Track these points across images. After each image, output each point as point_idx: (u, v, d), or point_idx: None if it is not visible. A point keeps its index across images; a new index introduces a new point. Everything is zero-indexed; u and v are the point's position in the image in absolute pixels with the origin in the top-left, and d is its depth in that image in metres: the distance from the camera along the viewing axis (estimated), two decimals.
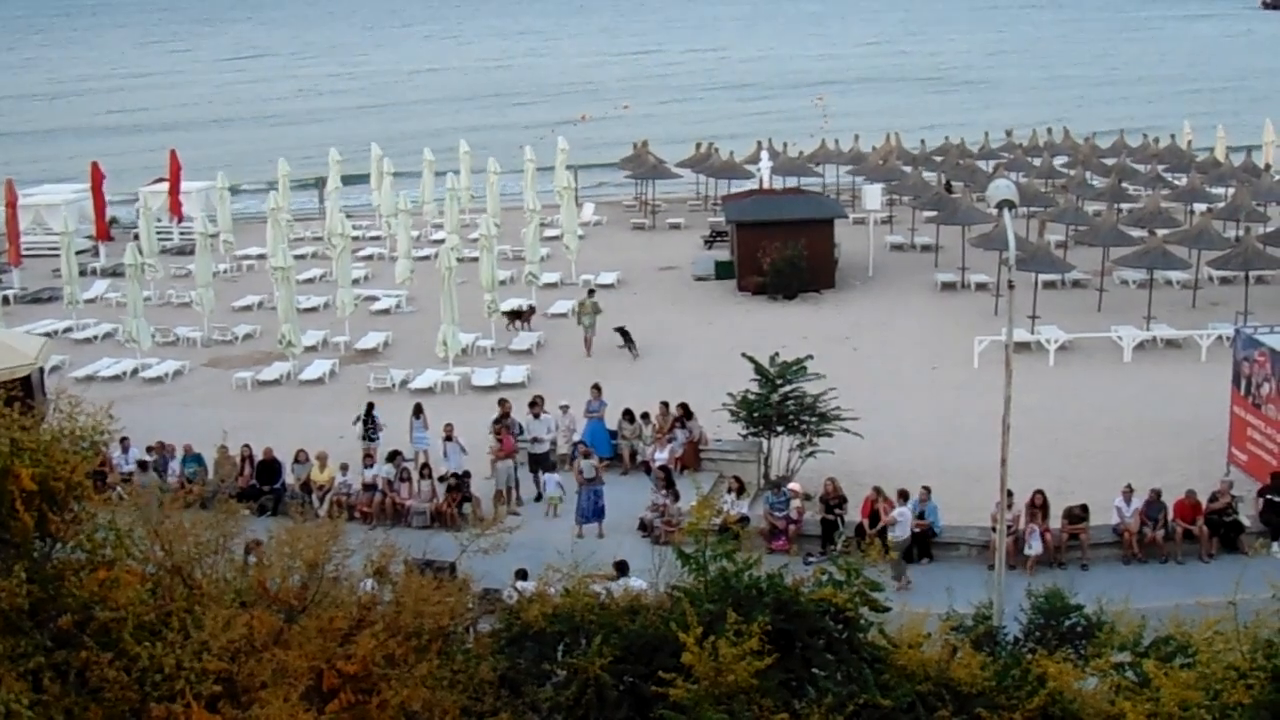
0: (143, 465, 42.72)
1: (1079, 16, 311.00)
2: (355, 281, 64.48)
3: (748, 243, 68.41)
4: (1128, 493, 40.88)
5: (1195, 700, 19.59)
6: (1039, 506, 39.98)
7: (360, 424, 46.79)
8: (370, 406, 47.72)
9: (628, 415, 47.24)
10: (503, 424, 44.93)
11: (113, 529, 20.81)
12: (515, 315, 62.65)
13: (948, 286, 67.98)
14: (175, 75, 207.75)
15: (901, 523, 40.11)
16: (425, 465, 43.75)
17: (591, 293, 63.53)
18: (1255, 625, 20.74)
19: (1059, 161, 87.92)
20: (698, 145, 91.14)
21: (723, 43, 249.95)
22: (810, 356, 45.85)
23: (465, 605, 23.27)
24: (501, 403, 46.54)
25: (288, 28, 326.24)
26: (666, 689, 20.24)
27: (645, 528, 40.61)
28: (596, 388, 48.16)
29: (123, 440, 42.29)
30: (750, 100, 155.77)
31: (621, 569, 31.19)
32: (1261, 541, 40.02)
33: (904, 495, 40.88)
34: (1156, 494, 40.76)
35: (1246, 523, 40.94)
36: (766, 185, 78.69)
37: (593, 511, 41.26)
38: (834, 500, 41.06)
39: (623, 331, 59.27)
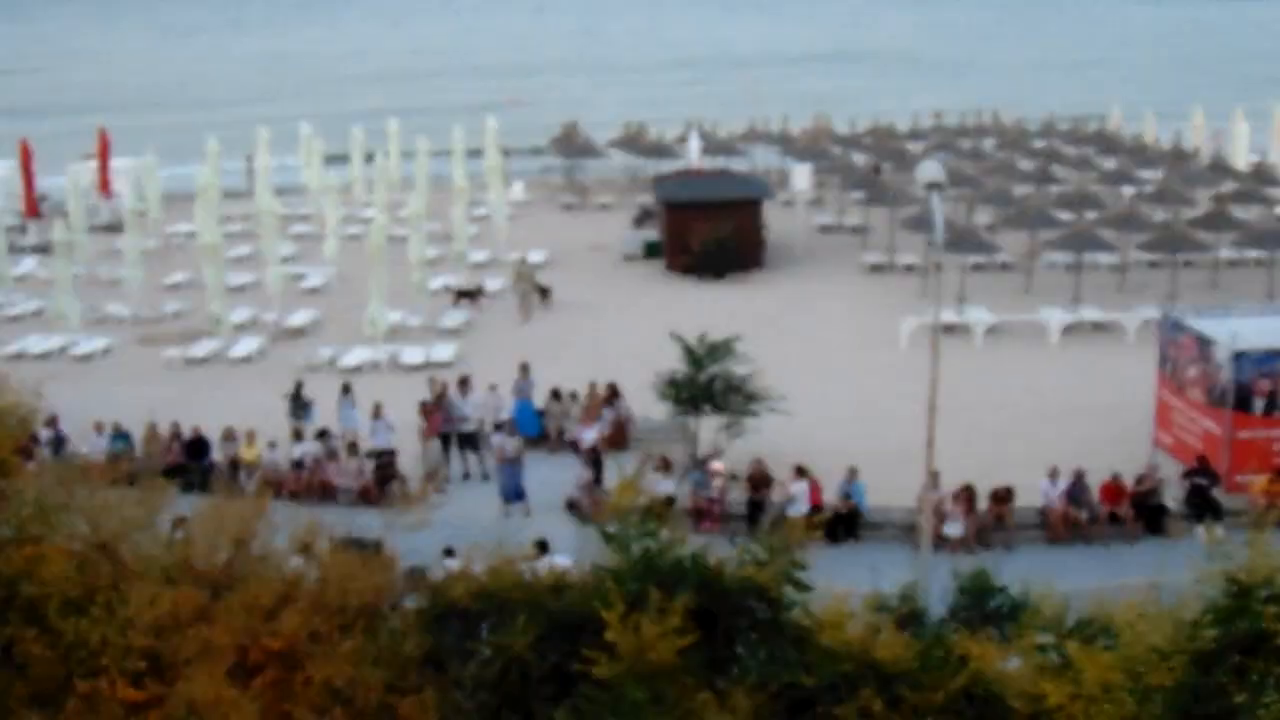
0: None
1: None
2: (284, 259, 64.31)
3: (676, 223, 68.52)
4: (1053, 475, 41.18)
5: (1117, 682, 19.76)
6: (967, 500, 40.28)
7: (289, 401, 46.73)
8: (299, 384, 47.60)
9: (555, 394, 47.36)
10: (437, 404, 44.98)
11: (38, 505, 20.87)
12: (465, 294, 62.92)
13: (876, 268, 68.18)
14: (105, 54, 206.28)
15: (799, 499, 40.49)
16: (353, 443, 43.70)
17: (524, 259, 64.85)
18: (1178, 607, 20.93)
19: (987, 144, 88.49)
20: (627, 126, 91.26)
21: (658, 23, 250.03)
22: (738, 337, 45.98)
23: (391, 583, 23.36)
24: (434, 381, 46.51)
25: (216, 4, 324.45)
26: (590, 667, 20.39)
27: (573, 506, 40.71)
28: (524, 367, 48.23)
29: (51, 417, 42.07)
30: (682, 81, 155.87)
31: (543, 548, 31.31)
32: (1185, 524, 40.52)
33: (801, 471, 41.17)
34: (1081, 476, 41.10)
35: (1171, 505, 41.28)
36: (696, 166, 78.97)
37: (514, 490, 41.34)
38: (760, 481, 41.25)
39: (541, 288, 61.71)
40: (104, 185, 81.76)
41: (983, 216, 72.11)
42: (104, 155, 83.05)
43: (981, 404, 47.96)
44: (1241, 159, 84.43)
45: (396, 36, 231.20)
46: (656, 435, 45.86)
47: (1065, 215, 66.77)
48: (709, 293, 64.15)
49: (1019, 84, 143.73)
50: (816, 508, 39.64)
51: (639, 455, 43.96)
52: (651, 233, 72.25)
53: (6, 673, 18.92)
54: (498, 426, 43.86)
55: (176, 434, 44.19)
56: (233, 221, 74.79)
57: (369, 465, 42.73)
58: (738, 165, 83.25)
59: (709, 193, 70.29)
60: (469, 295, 62.74)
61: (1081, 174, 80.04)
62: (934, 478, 36.06)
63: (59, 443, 42.40)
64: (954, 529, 39.51)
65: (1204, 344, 44.17)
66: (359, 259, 61.04)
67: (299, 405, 46.47)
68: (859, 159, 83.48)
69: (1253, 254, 65.26)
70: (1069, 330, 58.12)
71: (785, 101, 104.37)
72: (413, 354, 54.76)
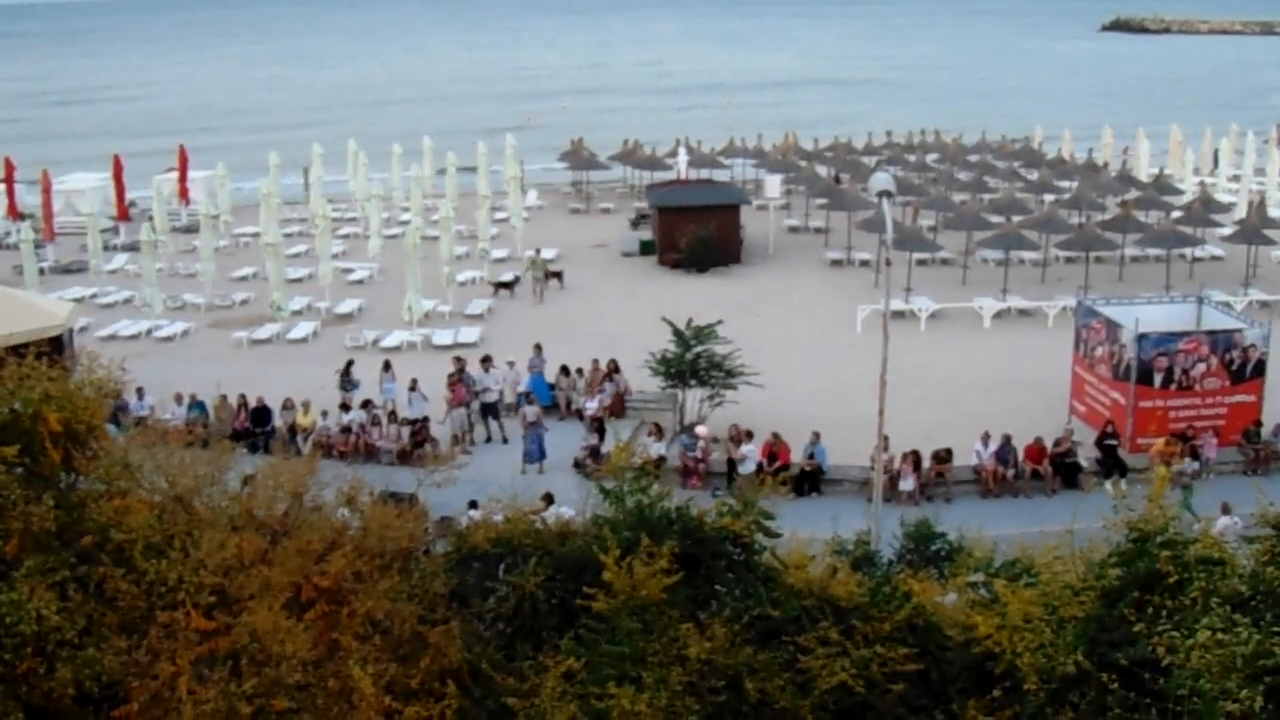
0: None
1: (954, 36, 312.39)
2: (334, 256, 64.25)
3: (667, 224, 68.41)
4: (985, 438, 41.35)
5: (1037, 614, 19.75)
6: (913, 461, 40.32)
7: (340, 376, 46.88)
8: (349, 363, 47.85)
9: (564, 370, 47.39)
10: (458, 378, 45.05)
11: (125, 464, 20.92)
12: (502, 285, 63.18)
13: (836, 263, 68.08)
14: (184, 82, 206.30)
15: (749, 458, 40.65)
16: (392, 412, 43.76)
17: (538, 251, 65.31)
18: (1089, 550, 20.93)
19: (930, 158, 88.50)
20: (625, 142, 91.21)
21: (654, 54, 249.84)
22: (720, 321, 46.10)
23: (423, 530, 23.36)
24: (456, 359, 46.64)
25: (280, 40, 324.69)
26: (590, 602, 20.39)
27: (579, 465, 40.76)
28: (538, 347, 48.26)
29: (138, 389, 42.22)
30: (672, 104, 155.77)
31: (548, 499, 31.28)
32: (1096, 479, 40.51)
33: (749, 435, 41.50)
34: (1009, 439, 41.22)
35: (1084, 464, 41.43)
36: (684, 176, 78.98)
37: (537, 452, 41.45)
38: (738, 443, 41.30)
39: (555, 273, 63.09)
40: (183, 194, 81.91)
41: (926, 219, 72.07)
42: (183, 168, 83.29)
43: (925, 379, 47.90)
44: (1144, 171, 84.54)
45: (432, 68, 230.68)
46: (650, 405, 45.96)
47: (996, 219, 66.78)
48: (694, 284, 64.05)
49: (958, 108, 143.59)
50: (784, 466, 39.68)
51: (635, 422, 44.26)
52: (646, 233, 72.20)
53: (99, 605, 18.90)
54: (525, 397, 43.95)
55: (243, 404, 44.24)
56: (290, 224, 74.72)
57: (406, 431, 42.72)
58: (719, 176, 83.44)
59: (695, 199, 70.30)
60: (507, 286, 62.95)
61: (1009, 184, 79.84)
62: (885, 441, 36.02)
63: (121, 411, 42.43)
64: (903, 484, 39.57)
65: (1112, 328, 44.25)
66: (397, 256, 61.11)
67: (348, 380, 46.68)
68: (822, 170, 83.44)
69: (1153, 252, 65.28)
70: (999, 316, 58.12)
71: (759, 122, 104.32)
72: (443, 336, 54.70)
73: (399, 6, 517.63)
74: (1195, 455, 40.83)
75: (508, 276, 64.25)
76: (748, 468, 40.09)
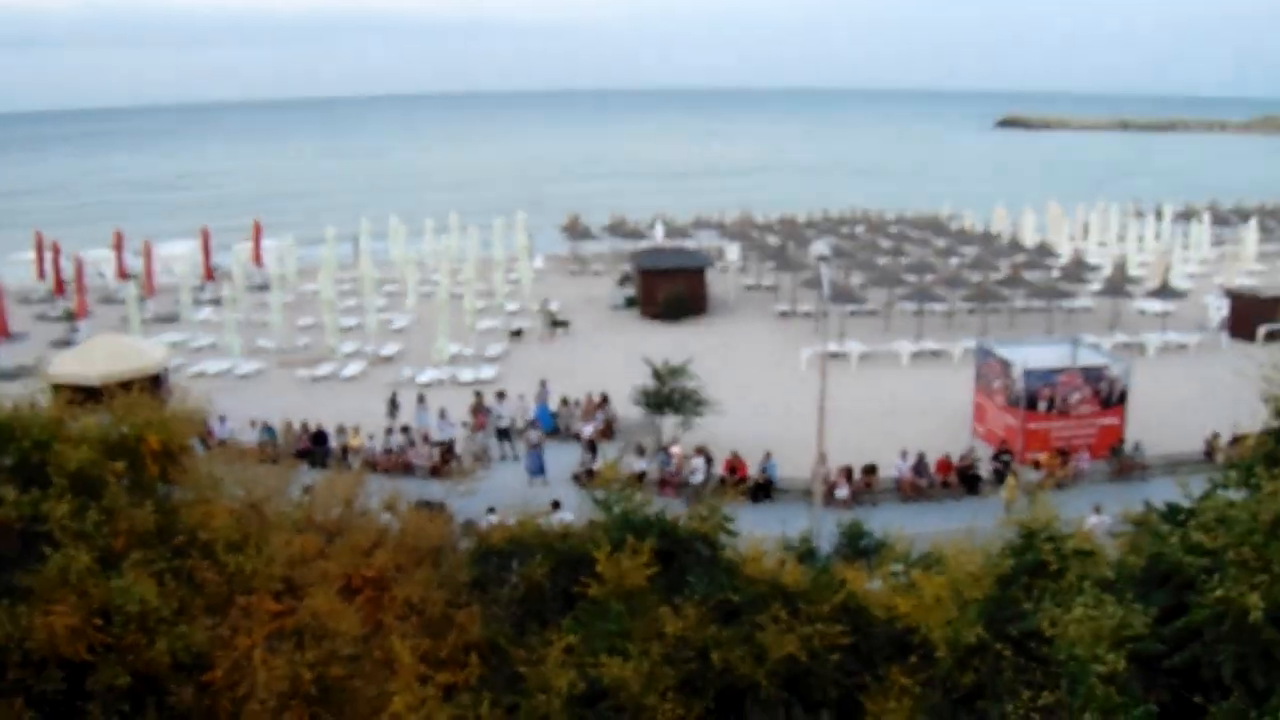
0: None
1: (879, 131, 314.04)
2: (379, 309, 64.18)
3: (647, 283, 68.40)
4: (904, 454, 41.36)
5: (946, 596, 19.74)
6: (847, 474, 40.32)
7: (388, 405, 47.11)
8: (395, 395, 48.08)
9: (564, 401, 47.36)
10: (479, 407, 45.11)
11: (210, 477, 21.02)
12: (515, 333, 63.22)
13: (783, 314, 68.00)
14: (260, 171, 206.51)
15: (698, 471, 40.73)
16: (425, 435, 43.68)
17: (547, 301, 65.66)
18: (986, 544, 20.96)
19: (859, 229, 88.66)
20: (613, 216, 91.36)
21: (639, 146, 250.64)
22: (689, 361, 46.08)
23: (450, 531, 23.34)
24: (477, 393, 46.71)
25: (337, 137, 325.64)
26: (586, 589, 20.42)
27: (577, 479, 40.68)
28: (543, 383, 48.32)
29: (220, 417, 42.17)
30: (652, 186, 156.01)
31: (556, 506, 31.25)
32: (993, 487, 40.60)
33: (700, 451, 41.60)
34: (922, 456, 41.29)
35: (983, 475, 41.46)
36: (660, 244, 79.11)
37: (537, 468, 41.41)
38: (704, 460, 41.30)
39: (562, 322, 63.42)
40: (257, 258, 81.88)
41: (856, 278, 72.10)
42: (257, 238, 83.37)
43: (856, 407, 47.96)
44: (1029, 239, 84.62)
45: (457, 155, 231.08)
46: (634, 429, 45.85)
47: (912, 277, 66.96)
48: (669, 331, 64.00)
49: (880, 188, 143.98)
50: (743, 479, 39.68)
51: (622, 443, 44.24)
52: (630, 290, 72.21)
53: (189, 590, 18.95)
54: (530, 424, 43.99)
55: (305, 428, 44.16)
56: (344, 283, 74.61)
57: (436, 451, 42.68)
58: (689, 244, 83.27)
59: (669, 262, 70.31)
60: (516, 334, 63.09)
61: (922, 250, 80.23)
62: (823, 457, 36.08)
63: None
64: (839, 493, 39.58)
65: (1005, 365, 44.36)
66: (430, 309, 61.42)
67: (394, 408, 46.76)
68: (772, 240, 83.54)
69: (1037, 304, 65.34)
70: (915, 356, 58.13)
71: (721, 200, 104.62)
72: (466, 374, 54.52)
73: (437, 109, 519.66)
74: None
75: (517, 326, 64.38)
76: (696, 478, 40.41)
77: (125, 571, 18.38)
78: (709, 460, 41.26)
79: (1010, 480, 39.53)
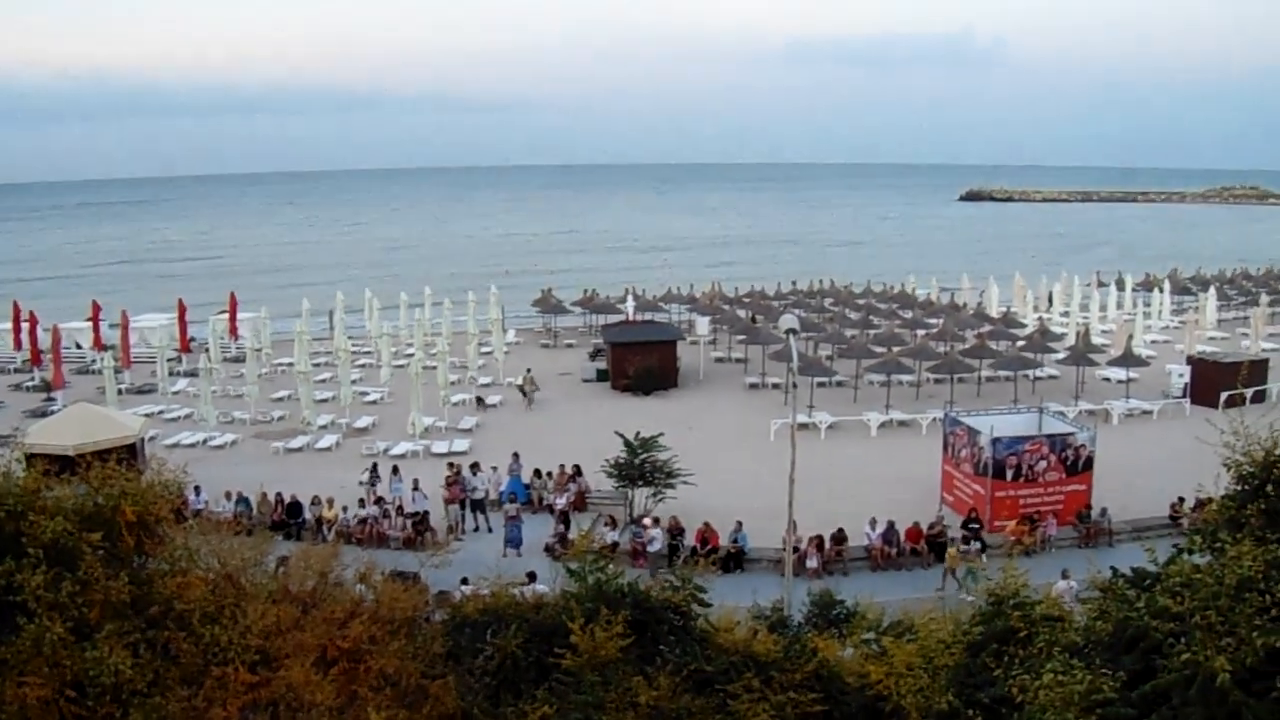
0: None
1: (846, 205, 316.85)
2: (353, 381, 64.06)
3: (618, 356, 68.48)
4: (874, 523, 41.32)
5: (917, 663, 19.79)
6: (818, 543, 40.27)
7: (369, 474, 47.25)
8: (375, 466, 48.42)
9: (537, 473, 47.29)
10: (453, 479, 45.00)
11: (186, 548, 20.95)
12: (483, 402, 64.09)
13: (753, 386, 68.20)
14: (237, 243, 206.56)
15: (655, 539, 40.79)
16: (400, 507, 43.53)
17: (529, 370, 65.86)
18: (957, 612, 21.02)
19: (827, 302, 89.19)
20: (585, 291, 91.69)
21: (613, 222, 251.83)
22: (661, 434, 46.15)
23: (424, 602, 23.25)
24: (450, 465, 46.62)
25: (316, 209, 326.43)
26: (560, 660, 20.35)
27: (549, 550, 40.50)
28: (515, 455, 48.25)
29: (196, 487, 41.97)
30: (623, 261, 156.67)
31: (531, 578, 31.14)
32: (963, 556, 40.54)
33: (656, 520, 41.75)
34: (892, 524, 41.23)
35: (953, 544, 41.42)
36: (631, 318, 79.33)
37: (516, 539, 41.23)
38: (676, 531, 41.19)
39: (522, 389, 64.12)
40: (233, 331, 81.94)
41: (824, 350, 72.38)
42: (233, 311, 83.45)
43: (825, 477, 47.94)
44: (994, 309, 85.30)
45: (435, 232, 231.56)
46: (606, 501, 45.70)
47: (879, 349, 67.27)
48: (640, 404, 64.12)
49: (849, 261, 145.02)
50: (714, 549, 39.56)
51: (594, 515, 44.15)
52: (602, 363, 72.30)
53: (164, 662, 18.81)
54: (512, 497, 43.88)
55: (280, 500, 43.99)
56: (318, 356, 74.55)
57: (410, 522, 42.49)
58: (660, 317, 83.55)
59: (640, 336, 70.52)
60: (522, 390, 64.38)
61: (889, 321, 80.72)
62: (793, 527, 36.04)
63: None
64: (810, 562, 39.49)
65: (972, 434, 44.52)
66: (403, 382, 61.36)
67: (375, 478, 46.95)
68: (741, 313, 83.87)
69: (1003, 373, 65.61)
70: (883, 426, 58.33)
71: (691, 275, 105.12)
72: (440, 446, 54.41)
73: (416, 183, 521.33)
74: (972, 539, 40.88)
75: (491, 398, 64.80)
76: (654, 546, 40.50)
77: (100, 643, 18.19)
78: (680, 531, 41.17)
79: (951, 550, 39.55)
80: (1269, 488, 18.05)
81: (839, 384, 66.25)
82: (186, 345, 79.10)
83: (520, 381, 65.18)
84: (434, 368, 62.56)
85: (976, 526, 41.62)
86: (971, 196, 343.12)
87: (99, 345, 77.23)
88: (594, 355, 76.16)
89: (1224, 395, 56.76)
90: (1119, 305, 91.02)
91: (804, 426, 54.38)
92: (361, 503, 44.15)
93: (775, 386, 66.74)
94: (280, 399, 64.64)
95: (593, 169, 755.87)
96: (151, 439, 52.53)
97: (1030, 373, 65.91)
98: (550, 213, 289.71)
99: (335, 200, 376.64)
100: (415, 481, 44.82)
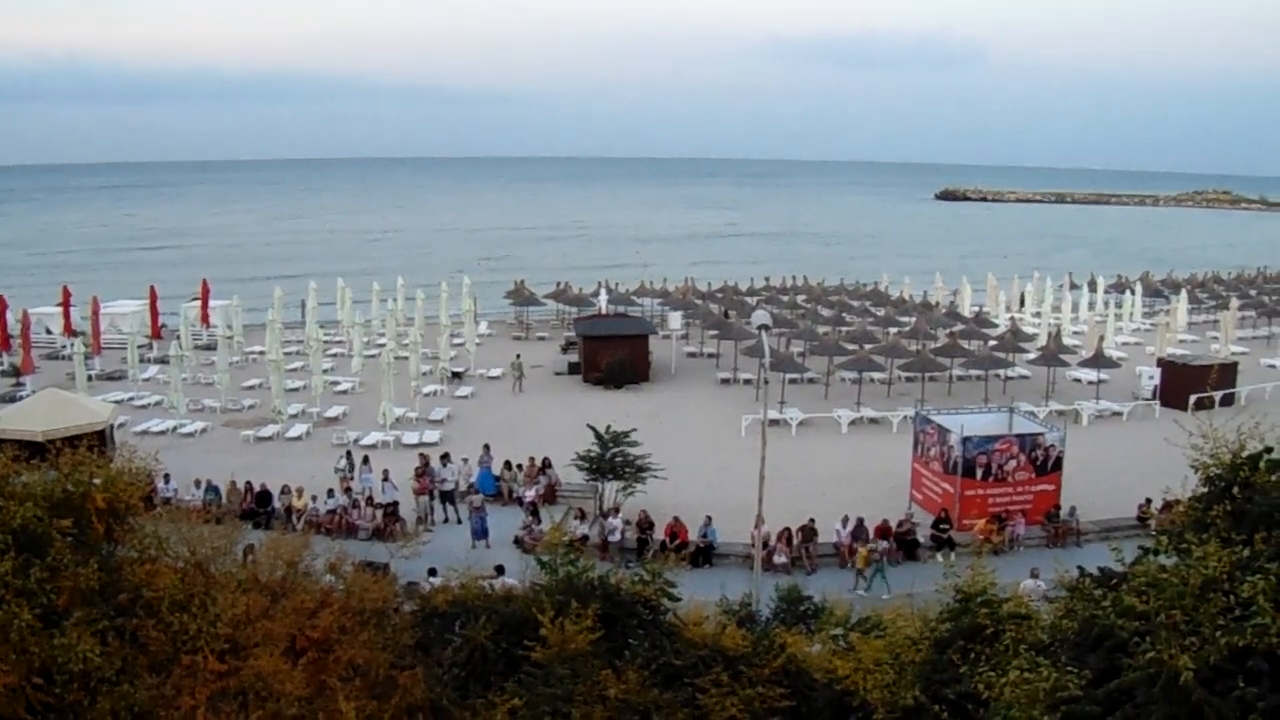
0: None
1: (824, 202, 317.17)
2: (324, 371, 63.88)
3: (590, 350, 68.50)
4: (843, 520, 41.47)
5: (884, 659, 19.86)
6: (786, 538, 40.39)
7: (345, 460, 47.26)
8: (349, 453, 48.36)
9: (507, 465, 47.32)
10: (422, 470, 44.99)
11: (155, 536, 20.91)
12: (455, 374, 65.67)
13: (724, 381, 68.32)
14: (213, 229, 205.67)
15: (613, 530, 41.13)
16: (369, 498, 43.50)
17: (519, 356, 67.43)
18: (925, 609, 21.11)
19: (800, 298, 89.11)
20: (558, 283, 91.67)
21: (589, 214, 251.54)
22: (633, 429, 46.22)
23: (394, 593, 23.24)
24: (421, 456, 46.59)
25: (297, 197, 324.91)
26: (530, 653, 20.40)
27: (519, 542, 40.57)
28: (486, 446, 48.31)
29: (165, 475, 41.78)
30: (598, 254, 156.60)
31: (500, 570, 31.20)
32: (931, 553, 40.80)
33: (616, 511, 42.30)
34: (861, 521, 41.38)
35: (921, 541, 41.66)
36: (604, 311, 79.35)
37: (481, 531, 41.24)
38: (645, 525, 41.29)
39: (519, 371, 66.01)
40: (204, 318, 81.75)
41: (796, 347, 72.56)
42: (205, 298, 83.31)
43: (795, 473, 48.14)
44: (967, 309, 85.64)
45: (411, 222, 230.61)
46: (576, 494, 45.77)
47: (851, 346, 67.24)
48: (612, 398, 64.14)
49: (821, 257, 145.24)
50: (684, 544, 39.71)
51: (564, 508, 44.19)
52: (574, 356, 72.33)
53: (133, 649, 18.76)
54: (471, 488, 43.92)
55: (249, 489, 43.92)
56: (290, 345, 74.29)
57: (379, 513, 42.48)
58: (632, 311, 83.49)
59: (612, 330, 70.59)
60: (457, 375, 65.29)
61: (862, 319, 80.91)
62: (762, 522, 36.20)
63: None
64: (778, 558, 39.63)
65: (943, 432, 44.73)
66: (375, 372, 61.26)
67: (351, 465, 46.90)
68: (713, 308, 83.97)
69: (975, 372, 66.04)
70: (854, 423, 58.53)
71: (665, 268, 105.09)
72: (410, 437, 54.34)
73: (398, 172, 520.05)
74: (885, 535, 41.14)
75: (459, 368, 66.65)
76: (614, 536, 40.78)
77: (68, 630, 18.08)
78: (649, 525, 41.26)
79: (861, 550, 39.69)
80: (1235, 490, 18.16)
81: (810, 381, 66.39)
82: (158, 332, 78.79)
83: (511, 365, 66.53)
84: (405, 358, 62.52)
85: (946, 527, 41.87)
86: (946, 196, 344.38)
87: (69, 331, 76.88)
88: (566, 348, 76.19)
89: (1193, 398, 57.15)
90: (1091, 306, 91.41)
91: (775, 422, 54.53)
92: (331, 492, 44.09)
93: (747, 382, 66.91)
94: (251, 387, 64.47)
95: (567, 161, 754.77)
96: (121, 426, 52.28)
97: (1001, 372, 66.19)
98: (527, 204, 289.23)
99: (322, 188, 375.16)
100: (385, 472, 44.78)
